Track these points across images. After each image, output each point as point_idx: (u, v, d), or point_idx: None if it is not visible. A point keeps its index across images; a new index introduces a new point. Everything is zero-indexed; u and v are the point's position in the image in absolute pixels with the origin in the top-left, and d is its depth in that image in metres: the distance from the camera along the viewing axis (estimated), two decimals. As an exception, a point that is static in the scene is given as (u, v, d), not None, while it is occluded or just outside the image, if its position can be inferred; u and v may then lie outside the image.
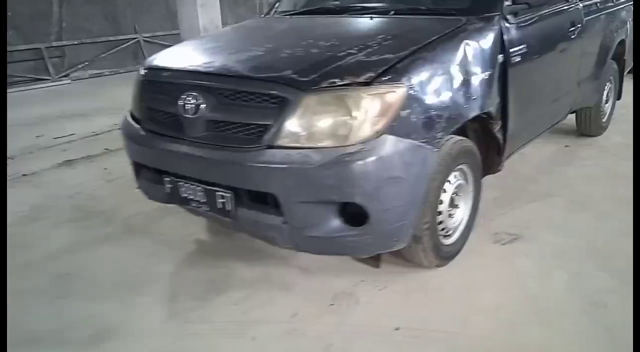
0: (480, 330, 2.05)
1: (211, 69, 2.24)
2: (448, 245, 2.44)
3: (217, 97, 2.12)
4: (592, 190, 3.27)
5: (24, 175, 3.95)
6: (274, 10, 3.40)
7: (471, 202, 2.55)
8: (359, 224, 2.00)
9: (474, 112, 2.29)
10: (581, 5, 3.33)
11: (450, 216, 2.43)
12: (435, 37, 2.21)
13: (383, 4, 2.82)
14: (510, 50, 2.51)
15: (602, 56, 3.77)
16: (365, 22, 2.61)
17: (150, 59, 2.63)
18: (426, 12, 2.67)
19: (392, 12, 2.66)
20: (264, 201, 2.10)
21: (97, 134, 5.07)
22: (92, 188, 3.67)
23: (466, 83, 2.24)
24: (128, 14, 8.45)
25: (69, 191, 3.61)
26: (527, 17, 2.69)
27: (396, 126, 1.95)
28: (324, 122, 1.94)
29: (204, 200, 2.23)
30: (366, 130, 1.91)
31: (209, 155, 2.13)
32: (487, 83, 2.37)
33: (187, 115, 2.17)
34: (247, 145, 2.04)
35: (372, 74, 1.95)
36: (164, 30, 9.01)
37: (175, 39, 9.13)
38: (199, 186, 2.21)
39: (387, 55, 2.07)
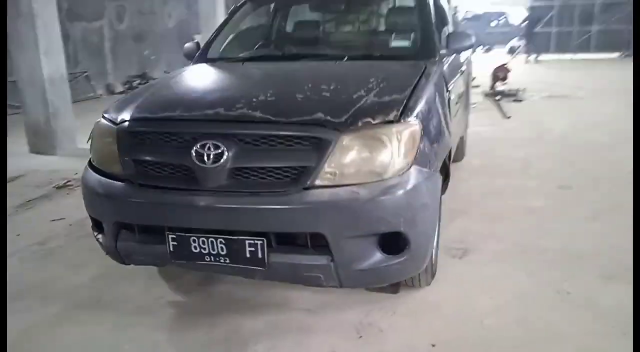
0: (502, 329, 2.32)
1: (229, 116, 2.17)
2: (433, 264, 2.69)
3: (239, 144, 2.07)
4: (493, 203, 3.88)
5: None
6: (196, 56, 3.34)
7: (439, 222, 2.86)
8: (396, 253, 2.13)
9: (454, 143, 2.62)
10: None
11: (432, 236, 2.69)
12: (417, 79, 2.48)
13: (335, 51, 3.04)
14: (449, 88, 2.94)
15: (467, 92, 4.54)
16: (339, 67, 2.80)
17: (118, 109, 2.39)
18: (377, 57, 2.97)
19: (346, 58, 2.90)
20: (298, 243, 2.11)
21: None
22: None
23: (444, 117, 2.57)
24: None
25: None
26: (449, 61, 3.17)
27: (418, 158, 2.15)
28: (364, 159, 2.05)
29: (225, 252, 2.11)
30: (401, 164, 2.08)
31: (236, 203, 2.06)
32: (448, 117, 2.74)
33: (203, 166, 2.06)
34: (280, 189, 2.04)
35: (396, 113, 2.14)
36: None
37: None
38: (218, 238, 2.10)
39: (395, 96, 2.28)
